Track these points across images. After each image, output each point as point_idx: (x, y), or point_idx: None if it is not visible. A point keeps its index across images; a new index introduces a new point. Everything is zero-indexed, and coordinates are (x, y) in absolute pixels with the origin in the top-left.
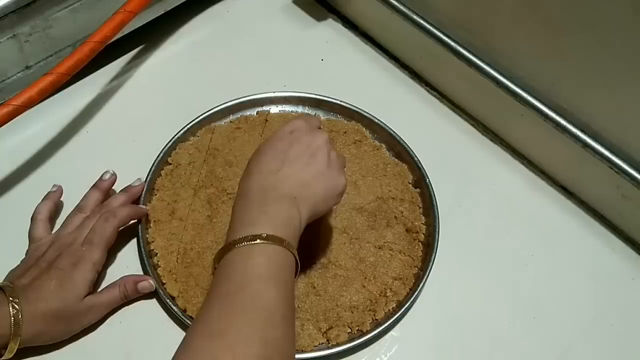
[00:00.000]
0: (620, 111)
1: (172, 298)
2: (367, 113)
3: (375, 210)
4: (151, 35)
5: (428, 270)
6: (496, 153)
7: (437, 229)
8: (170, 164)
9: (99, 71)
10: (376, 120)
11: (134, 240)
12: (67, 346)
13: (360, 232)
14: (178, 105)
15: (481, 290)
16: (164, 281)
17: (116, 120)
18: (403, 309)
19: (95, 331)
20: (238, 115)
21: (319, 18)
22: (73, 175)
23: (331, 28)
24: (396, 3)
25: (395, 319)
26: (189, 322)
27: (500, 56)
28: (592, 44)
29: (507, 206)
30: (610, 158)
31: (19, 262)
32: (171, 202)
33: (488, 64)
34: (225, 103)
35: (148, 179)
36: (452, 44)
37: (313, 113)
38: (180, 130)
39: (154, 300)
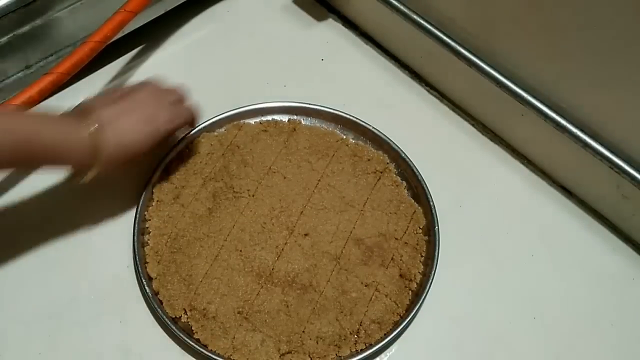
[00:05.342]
0: (620, 111)
1: (150, 279)
2: (397, 146)
3: (373, 245)
4: (151, 35)
5: (409, 318)
6: (496, 153)
7: (430, 281)
8: (189, 149)
9: (99, 71)
10: (403, 155)
11: (132, 216)
12: (67, 346)
13: (352, 264)
14: None
15: (481, 290)
16: (147, 260)
17: None
18: (370, 352)
19: (95, 330)
20: (269, 118)
21: (319, 18)
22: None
23: (331, 28)
24: (396, 3)
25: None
26: (156, 306)
27: (500, 56)
28: (593, 44)
29: (507, 206)
30: (610, 158)
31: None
32: (179, 186)
33: (488, 64)
34: (259, 104)
35: (161, 161)
36: (452, 44)
37: (343, 134)
38: (208, 120)
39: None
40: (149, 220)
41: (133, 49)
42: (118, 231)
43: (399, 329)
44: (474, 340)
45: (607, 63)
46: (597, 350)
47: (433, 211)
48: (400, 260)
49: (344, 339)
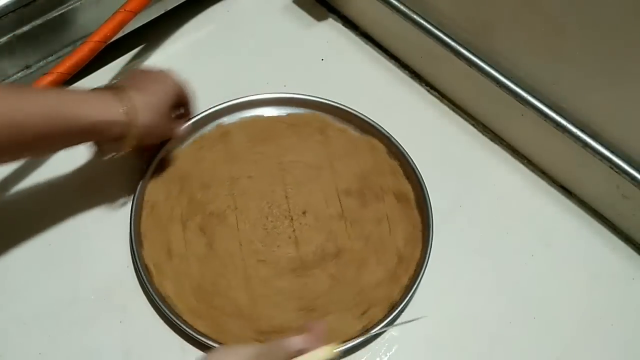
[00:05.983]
0: (620, 111)
1: (200, 333)
2: (329, 100)
3: (361, 188)
4: (151, 35)
5: (431, 229)
6: (496, 153)
7: (425, 193)
8: (145, 200)
9: (99, 71)
10: (336, 105)
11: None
12: (67, 346)
13: (355, 213)
14: None
15: (481, 290)
16: (186, 319)
17: None
18: (420, 279)
19: (95, 330)
20: (197, 135)
21: (319, 18)
22: (73, 175)
23: (331, 28)
24: (396, 3)
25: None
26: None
27: (500, 56)
28: (593, 43)
29: (507, 206)
30: (610, 158)
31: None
32: (164, 242)
33: (488, 64)
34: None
35: (132, 224)
36: (452, 44)
37: (279, 111)
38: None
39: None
40: (160, 287)
41: (133, 49)
42: (118, 231)
43: (429, 245)
44: (473, 340)
45: (607, 63)
46: (597, 350)
47: (387, 134)
48: (388, 186)
49: (395, 272)
